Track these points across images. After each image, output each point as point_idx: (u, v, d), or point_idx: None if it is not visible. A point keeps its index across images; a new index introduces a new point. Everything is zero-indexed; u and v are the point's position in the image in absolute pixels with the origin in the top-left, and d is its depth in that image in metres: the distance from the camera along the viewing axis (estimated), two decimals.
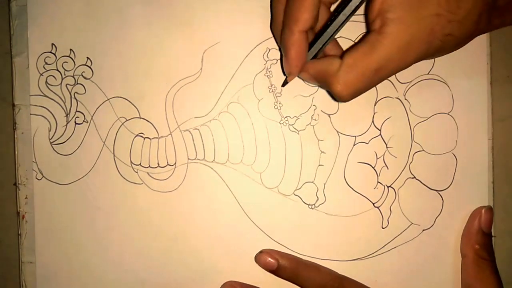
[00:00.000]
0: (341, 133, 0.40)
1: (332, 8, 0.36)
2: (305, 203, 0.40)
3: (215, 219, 0.40)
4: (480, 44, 0.40)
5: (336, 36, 0.36)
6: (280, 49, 0.38)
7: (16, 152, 0.40)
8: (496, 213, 0.40)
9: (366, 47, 0.32)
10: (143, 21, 0.40)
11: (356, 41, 0.39)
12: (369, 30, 0.33)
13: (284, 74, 0.36)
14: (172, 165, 0.40)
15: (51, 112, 0.40)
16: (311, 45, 0.35)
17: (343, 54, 0.33)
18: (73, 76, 0.40)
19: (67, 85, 0.40)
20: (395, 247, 0.40)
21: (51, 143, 0.40)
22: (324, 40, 0.34)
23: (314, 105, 0.40)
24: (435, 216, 0.40)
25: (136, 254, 0.40)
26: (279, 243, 0.40)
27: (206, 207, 0.40)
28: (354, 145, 0.40)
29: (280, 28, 0.35)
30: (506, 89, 0.41)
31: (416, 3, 0.31)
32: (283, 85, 0.39)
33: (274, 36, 0.38)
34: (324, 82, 0.34)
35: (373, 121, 0.40)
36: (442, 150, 0.40)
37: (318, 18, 0.33)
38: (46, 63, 0.40)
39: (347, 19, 0.33)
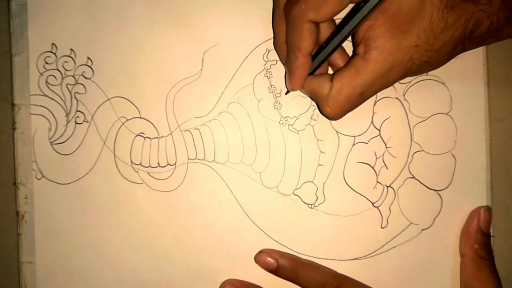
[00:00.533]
0: (340, 133, 0.40)
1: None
2: (305, 203, 0.40)
3: (215, 219, 0.40)
4: None
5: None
6: (283, 64, 0.39)
7: (15, 152, 0.40)
8: (494, 212, 0.40)
9: (352, 71, 0.34)
10: (144, 21, 0.40)
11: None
12: (354, 53, 0.35)
13: (286, 87, 0.38)
14: (172, 165, 0.40)
15: (51, 112, 0.40)
16: (314, 56, 0.36)
17: (333, 75, 0.35)
18: (73, 76, 0.40)
19: (68, 85, 0.40)
20: (394, 247, 0.40)
21: (51, 142, 0.40)
22: (324, 56, 0.36)
23: (313, 105, 0.40)
24: (434, 216, 0.40)
25: (136, 253, 0.40)
26: (278, 242, 0.40)
27: (206, 207, 0.40)
28: (353, 145, 0.40)
29: (281, 47, 0.37)
30: (504, 89, 0.41)
31: (397, 34, 0.33)
32: (287, 93, 0.40)
33: (276, 51, 0.39)
34: (315, 100, 0.37)
35: (372, 121, 0.40)
36: (441, 150, 0.40)
37: (318, 40, 0.36)
38: (46, 63, 0.40)
39: (345, 38, 0.35)
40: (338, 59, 0.37)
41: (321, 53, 0.36)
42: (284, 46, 0.36)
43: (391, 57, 0.33)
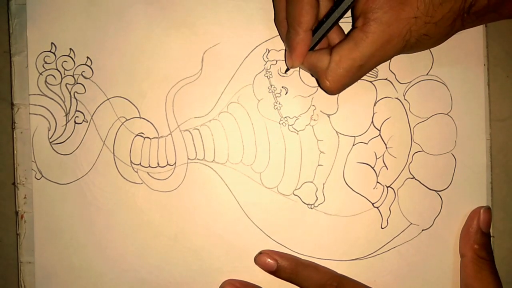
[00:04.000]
0: (340, 133, 0.40)
1: None
2: (305, 203, 0.40)
3: (214, 219, 0.40)
4: (477, 45, 0.40)
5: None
6: (283, 41, 0.39)
7: (15, 152, 0.40)
8: (494, 213, 0.40)
9: (351, 44, 0.34)
10: (143, 21, 0.40)
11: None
12: (353, 26, 0.35)
13: (286, 64, 0.38)
14: (172, 165, 0.40)
15: (50, 112, 0.40)
16: (313, 32, 0.36)
17: (332, 49, 0.35)
18: (73, 76, 0.40)
19: (67, 85, 0.40)
20: (394, 247, 0.40)
21: (50, 142, 0.40)
22: (324, 31, 0.36)
23: (313, 105, 0.40)
24: (434, 216, 0.40)
25: (136, 253, 0.40)
26: (278, 242, 0.40)
27: (206, 207, 0.40)
28: (353, 145, 0.40)
29: (282, 24, 0.37)
30: (505, 90, 0.41)
31: (396, 6, 0.33)
32: (286, 71, 0.40)
33: (277, 28, 0.39)
34: (315, 75, 0.37)
35: (372, 122, 0.40)
36: (441, 151, 0.40)
37: (318, 15, 0.35)
38: (46, 62, 0.40)
39: (344, 12, 0.35)
40: (335, 38, 0.37)
41: (321, 28, 0.36)
42: (285, 23, 0.37)
43: (390, 29, 0.33)
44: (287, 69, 0.40)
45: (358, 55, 0.34)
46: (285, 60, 0.38)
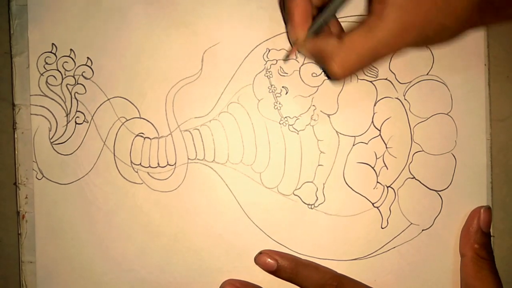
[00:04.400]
0: (340, 133, 0.40)
1: None
2: (305, 203, 0.40)
3: (215, 219, 0.40)
4: (478, 45, 0.40)
5: (338, 17, 0.37)
6: (285, 21, 0.38)
7: (16, 152, 0.40)
8: (494, 213, 0.40)
9: (365, 29, 0.32)
10: (143, 21, 0.40)
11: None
12: (368, 12, 0.34)
13: (290, 44, 0.37)
14: (172, 165, 0.40)
15: (51, 112, 0.40)
16: (314, 20, 0.35)
17: (341, 34, 0.34)
18: (73, 76, 0.40)
19: (68, 85, 0.40)
20: (394, 247, 0.40)
21: (51, 143, 0.40)
22: (327, 15, 0.34)
23: (313, 105, 0.40)
24: (435, 216, 0.40)
25: (136, 253, 0.40)
26: (278, 242, 0.40)
27: (206, 207, 0.40)
28: (353, 145, 0.40)
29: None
30: (505, 89, 0.41)
31: None
32: (285, 59, 0.39)
33: (280, 10, 0.38)
34: (321, 60, 0.35)
35: (372, 121, 0.40)
36: (441, 151, 0.40)
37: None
38: (47, 63, 0.40)
39: None
40: (333, 29, 0.36)
41: (326, 9, 0.34)
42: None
43: (408, 15, 0.31)
44: (287, 56, 0.38)
45: (372, 40, 0.32)
46: (289, 40, 0.37)
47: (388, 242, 0.40)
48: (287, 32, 0.39)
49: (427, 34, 0.32)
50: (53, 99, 0.40)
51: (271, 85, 0.40)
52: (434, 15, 0.32)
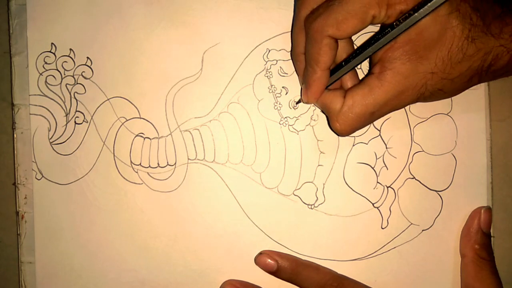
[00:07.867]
0: None
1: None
2: (305, 203, 0.40)
3: (215, 219, 0.40)
4: None
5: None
6: (297, 74, 0.39)
7: (15, 152, 0.40)
8: (495, 213, 0.40)
9: (366, 90, 0.34)
10: (143, 21, 0.40)
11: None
12: (370, 71, 0.35)
13: (301, 98, 0.38)
14: (172, 165, 0.40)
15: (50, 112, 0.40)
16: (331, 72, 0.36)
17: (346, 92, 0.35)
18: (73, 76, 0.40)
19: (67, 85, 0.40)
20: (394, 247, 0.40)
21: (50, 143, 0.40)
22: (341, 74, 0.36)
23: (313, 105, 0.40)
24: (435, 216, 0.40)
25: (136, 254, 0.40)
26: (278, 243, 0.40)
27: (206, 207, 0.40)
28: (353, 145, 0.40)
29: (299, 57, 0.37)
30: (505, 90, 0.41)
31: (414, 59, 0.33)
32: (297, 103, 0.40)
33: (292, 61, 0.39)
34: (326, 114, 0.37)
35: None
36: (441, 151, 0.40)
37: (336, 56, 0.35)
38: (46, 63, 0.40)
39: (367, 58, 0.35)
40: (348, 80, 0.37)
41: (339, 71, 0.35)
42: (302, 57, 0.37)
43: (406, 80, 0.33)
44: (299, 101, 0.39)
45: (371, 102, 0.34)
46: (300, 94, 0.38)
47: (388, 243, 0.40)
48: (300, 91, 0.39)
49: (424, 96, 0.34)
50: (52, 99, 0.40)
51: (271, 85, 0.40)
52: (431, 82, 0.33)
